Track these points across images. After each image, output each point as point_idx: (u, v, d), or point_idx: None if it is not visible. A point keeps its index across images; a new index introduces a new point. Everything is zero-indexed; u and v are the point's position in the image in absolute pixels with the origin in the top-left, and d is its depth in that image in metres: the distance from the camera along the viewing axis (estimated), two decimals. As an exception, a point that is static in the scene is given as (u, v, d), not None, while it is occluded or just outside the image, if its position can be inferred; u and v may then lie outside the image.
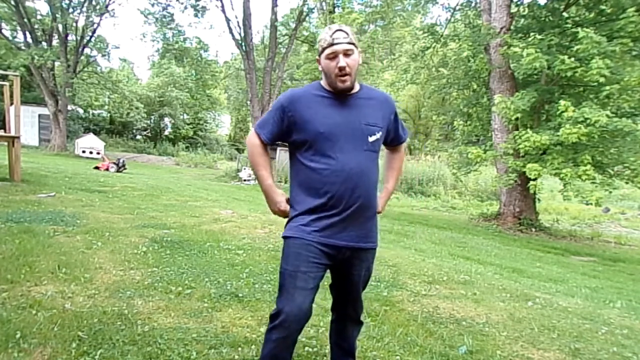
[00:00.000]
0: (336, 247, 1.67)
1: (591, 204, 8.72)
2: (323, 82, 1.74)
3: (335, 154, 1.65)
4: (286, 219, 1.77)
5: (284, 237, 1.72)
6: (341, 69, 1.62)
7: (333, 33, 1.64)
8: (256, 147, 1.78)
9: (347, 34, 1.64)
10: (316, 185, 1.66)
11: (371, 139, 1.70)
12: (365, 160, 1.68)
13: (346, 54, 1.64)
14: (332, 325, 1.97)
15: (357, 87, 1.74)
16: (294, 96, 1.72)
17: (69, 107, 23.45)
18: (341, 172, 1.64)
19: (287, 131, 1.73)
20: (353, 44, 1.65)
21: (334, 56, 1.64)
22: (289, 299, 1.62)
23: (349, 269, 1.77)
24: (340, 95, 1.70)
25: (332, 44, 1.63)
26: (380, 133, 1.74)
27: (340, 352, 1.95)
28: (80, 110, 28.80)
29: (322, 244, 1.65)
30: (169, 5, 20.35)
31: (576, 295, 4.09)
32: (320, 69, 1.72)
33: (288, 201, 1.78)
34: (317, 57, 1.73)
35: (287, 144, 1.79)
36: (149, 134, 33.16)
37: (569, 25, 9.66)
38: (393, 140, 1.91)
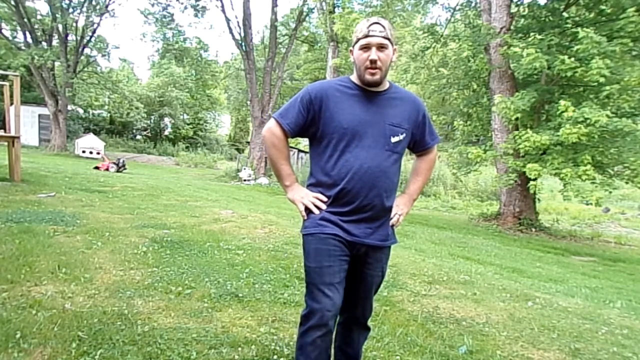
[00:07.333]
0: (351, 243, 1.65)
1: (591, 204, 8.75)
2: (353, 77, 1.71)
3: (356, 151, 1.62)
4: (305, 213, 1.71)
5: (302, 235, 1.70)
6: (372, 61, 1.59)
7: (370, 25, 1.60)
8: (277, 139, 1.70)
9: (384, 28, 1.60)
10: (334, 181, 1.64)
11: (394, 139, 1.66)
12: (385, 160, 1.65)
13: (380, 47, 1.60)
14: (338, 328, 1.89)
15: (386, 85, 1.70)
16: (322, 89, 1.67)
17: (69, 107, 23.45)
18: (360, 169, 1.61)
19: (310, 124, 1.68)
20: (389, 39, 1.61)
21: (367, 48, 1.60)
22: (322, 296, 1.60)
23: (362, 268, 1.74)
24: (368, 92, 1.67)
25: (367, 36, 1.59)
26: (404, 135, 1.70)
27: (343, 358, 1.90)
28: (80, 110, 28.79)
29: (339, 237, 1.64)
30: (169, 5, 20.43)
31: (576, 295, 4.09)
32: (352, 59, 1.69)
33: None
34: (350, 47, 1.70)
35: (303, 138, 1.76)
36: (149, 134, 33.14)
37: (569, 25, 9.66)
38: (417, 145, 1.82)
